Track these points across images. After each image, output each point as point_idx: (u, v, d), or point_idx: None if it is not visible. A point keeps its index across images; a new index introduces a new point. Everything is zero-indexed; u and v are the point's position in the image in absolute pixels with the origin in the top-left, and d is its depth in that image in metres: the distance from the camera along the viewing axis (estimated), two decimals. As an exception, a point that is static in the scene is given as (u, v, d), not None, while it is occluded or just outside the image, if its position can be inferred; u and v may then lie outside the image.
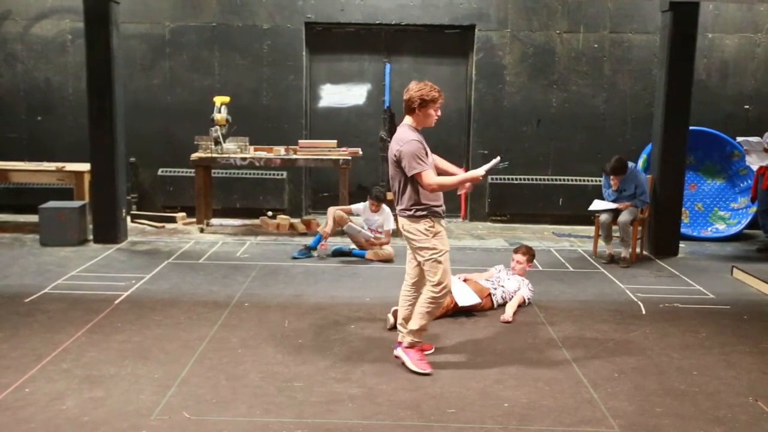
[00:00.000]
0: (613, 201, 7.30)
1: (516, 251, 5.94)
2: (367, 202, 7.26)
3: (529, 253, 5.93)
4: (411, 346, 4.37)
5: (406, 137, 4.21)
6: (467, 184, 4.37)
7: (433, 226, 4.25)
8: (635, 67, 9.15)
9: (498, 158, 4.41)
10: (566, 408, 3.84)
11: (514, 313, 5.37)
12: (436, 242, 4.24)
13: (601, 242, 7.34)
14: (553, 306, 5.70)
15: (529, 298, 5.65)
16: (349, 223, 7.14)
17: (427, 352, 4.50)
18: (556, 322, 5.27)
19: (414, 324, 4.35)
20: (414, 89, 4.25)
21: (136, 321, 5.09)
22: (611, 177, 7.26)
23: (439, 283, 4.26)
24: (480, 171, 4.31)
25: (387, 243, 7.19)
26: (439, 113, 4.32)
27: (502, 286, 5.62)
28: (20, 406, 3.71)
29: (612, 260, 7.14)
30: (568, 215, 9.15)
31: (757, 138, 7.59)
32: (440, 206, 4.31)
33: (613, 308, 5.66)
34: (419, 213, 4.24)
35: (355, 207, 7.37)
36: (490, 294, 5.52)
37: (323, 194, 9.56)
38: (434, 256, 4.24)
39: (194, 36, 9.10)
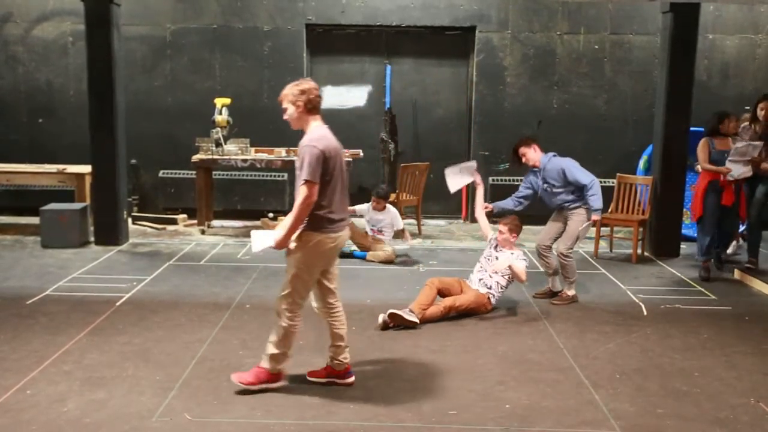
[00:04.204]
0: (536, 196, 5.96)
1: (500, 222, 5.66)
2: (371, 203, 7.26)
3: (512, 224, 5.58)
4: None
5: None
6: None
7: None
8: (636, 68, 9.15)
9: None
10: (568, 409, 3.84)
11: (516, 279, 5.43)
12: None
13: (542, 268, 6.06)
14: (554, 307, 5.69)
15: (525, 267, 5.40)
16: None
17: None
18: (557, 324, 5.27)
19: None
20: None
21: (137, 323, 5.10)
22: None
23: None
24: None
25: (410, 238, 7.37)
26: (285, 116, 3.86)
27: (492, 276, 5.47)
28: (21, 408, 3.71)
29: (552, 295, 5.90)
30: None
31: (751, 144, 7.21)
32: None
33: (615, 309, 5.65)
34: None
35: (359, 208, 7.35)
36: (489, 298, 5.47)
37: (324, 196, 9.54)
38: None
39: (195, 38, 9.11)
